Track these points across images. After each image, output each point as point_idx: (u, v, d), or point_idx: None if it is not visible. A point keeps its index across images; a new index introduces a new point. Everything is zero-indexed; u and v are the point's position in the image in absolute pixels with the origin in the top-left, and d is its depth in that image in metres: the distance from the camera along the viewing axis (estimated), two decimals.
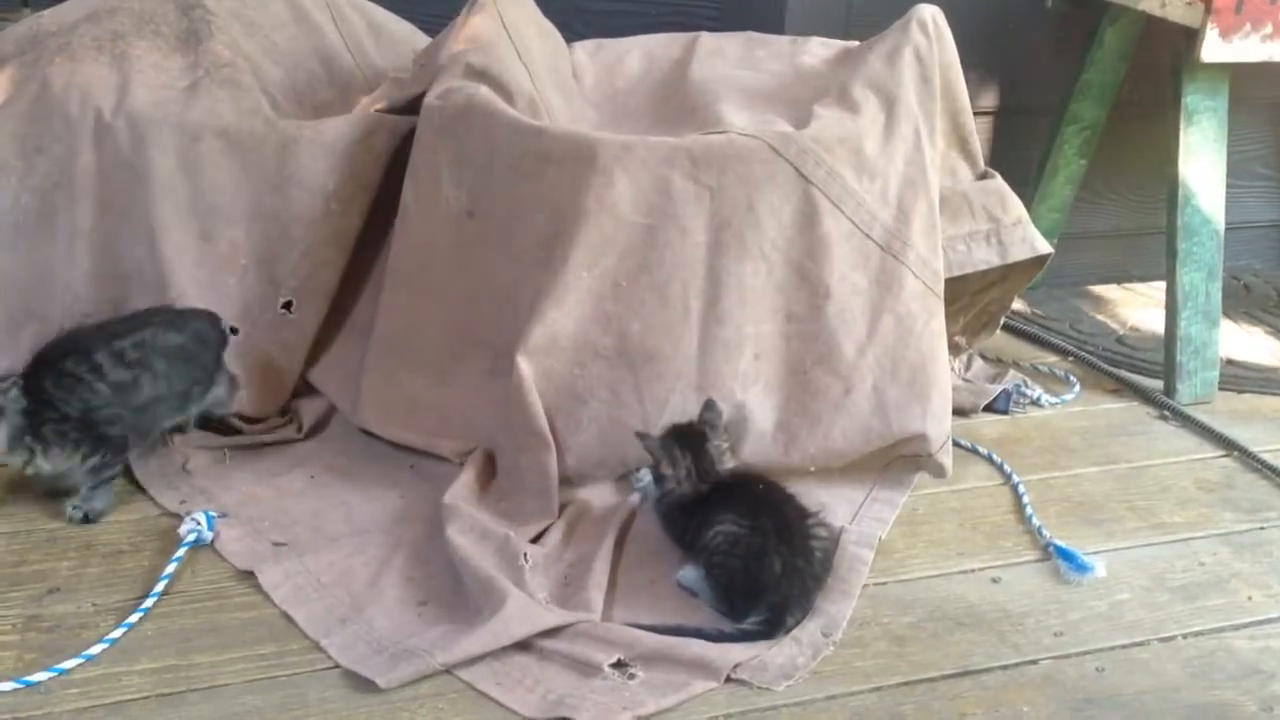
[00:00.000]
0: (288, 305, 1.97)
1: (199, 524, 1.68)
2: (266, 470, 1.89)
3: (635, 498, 1.81)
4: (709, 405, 1.75)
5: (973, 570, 1.74)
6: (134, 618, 1.53)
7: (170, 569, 1.62)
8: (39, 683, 1.42)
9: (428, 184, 1.93)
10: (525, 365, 1.77)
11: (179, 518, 1.72)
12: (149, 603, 1.56)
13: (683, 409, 1.80)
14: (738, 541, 1.59)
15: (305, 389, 2.07)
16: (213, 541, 1.69)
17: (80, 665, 1.45)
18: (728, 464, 1.73)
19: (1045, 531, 1.82)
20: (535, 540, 1.72)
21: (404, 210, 1.97)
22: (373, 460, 1.93)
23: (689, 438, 1.72)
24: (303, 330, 2.01)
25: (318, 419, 2.02)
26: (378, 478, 1.89)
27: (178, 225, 1.92)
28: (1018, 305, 2.54)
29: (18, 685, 1.41)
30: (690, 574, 1.64)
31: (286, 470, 1.89)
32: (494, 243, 1.88)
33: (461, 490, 1.77)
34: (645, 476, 1.78)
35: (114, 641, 1.49)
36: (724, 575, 1.59)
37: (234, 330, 1.93)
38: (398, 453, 1.94)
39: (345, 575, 1.63)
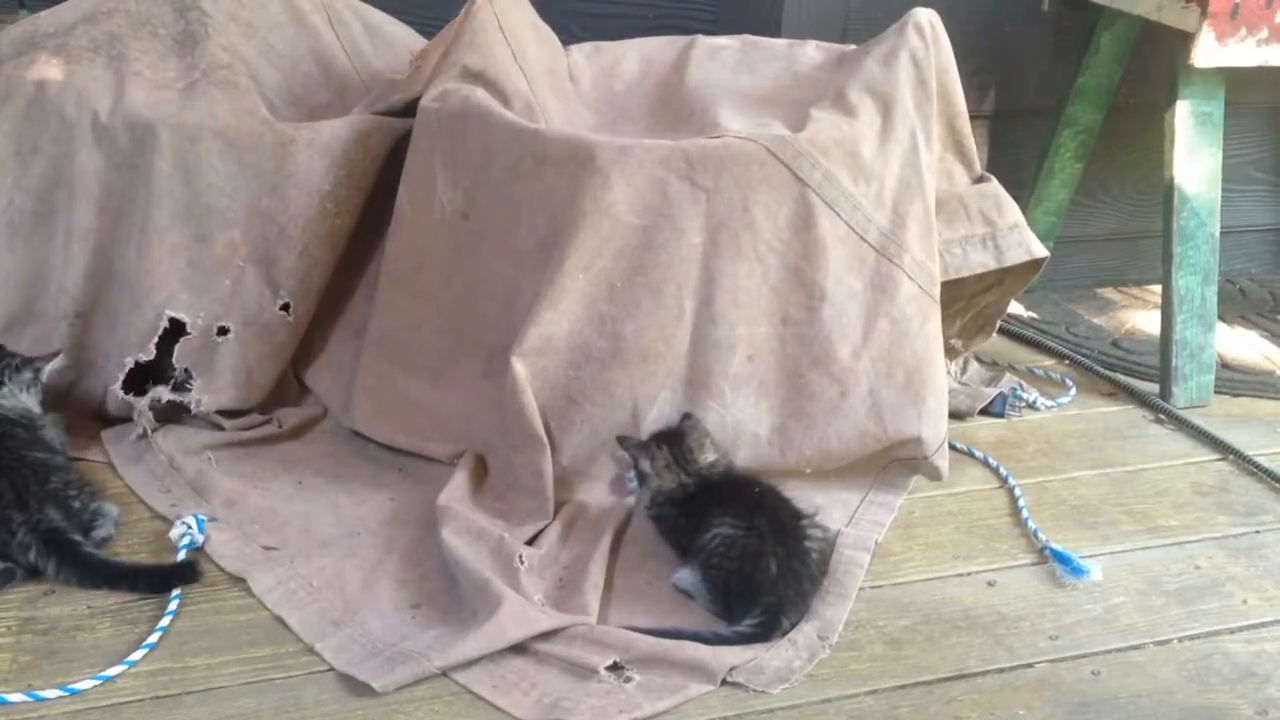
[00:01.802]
0: (285, 307, 1.97)
1: (190, 527, 1.68)
2: (254, 473, 1.89)
3: (632, 499, 1.81)
4: (686, 416, 1.79)
5: (969, 573, 1.75)
6: (165, 621, 1.53)
7: None
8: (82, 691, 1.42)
9: (422, 186, 1.93)
10: (520, 366, 1.77)
11: (170, 521, 1.72)
12: (174, 605, 1.56)
13: (672, 405, 1.82)
14: (734, 543, 1.60)
15: (290, 396, 2.07)
16: (203, 545, 1.68)
17: (83, 670, 1.45)
18: (709, 454, 1.75)
19: (1041, 535, 1.82)
20: (531, 542, 1.72)
21: (398, 212, 1.97)
22: (361, 463, 1.93)
23: (666, 435, 1.77)
24: (295, 329, 2.01)
25: (302, 421, 2.02)
26: (367, 480, 1.89)
27: (174, 227, 1.92)
28: (1014, 308, 2.54)
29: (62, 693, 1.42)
30: (686, 576, 1.64)
31: (275, 474, 1.89)
32: (489, 244, 1.88)
33: (455, 491, 1.77)
34: (634, 479, 1.79)
35: (152, 646, 1.49)
36: (720, 577, 1.60)
37: (223, 330, 1.93)
38: (386, 455, 1.94)
39: (337, 579, 1.63)
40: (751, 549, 1.58)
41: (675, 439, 1.75)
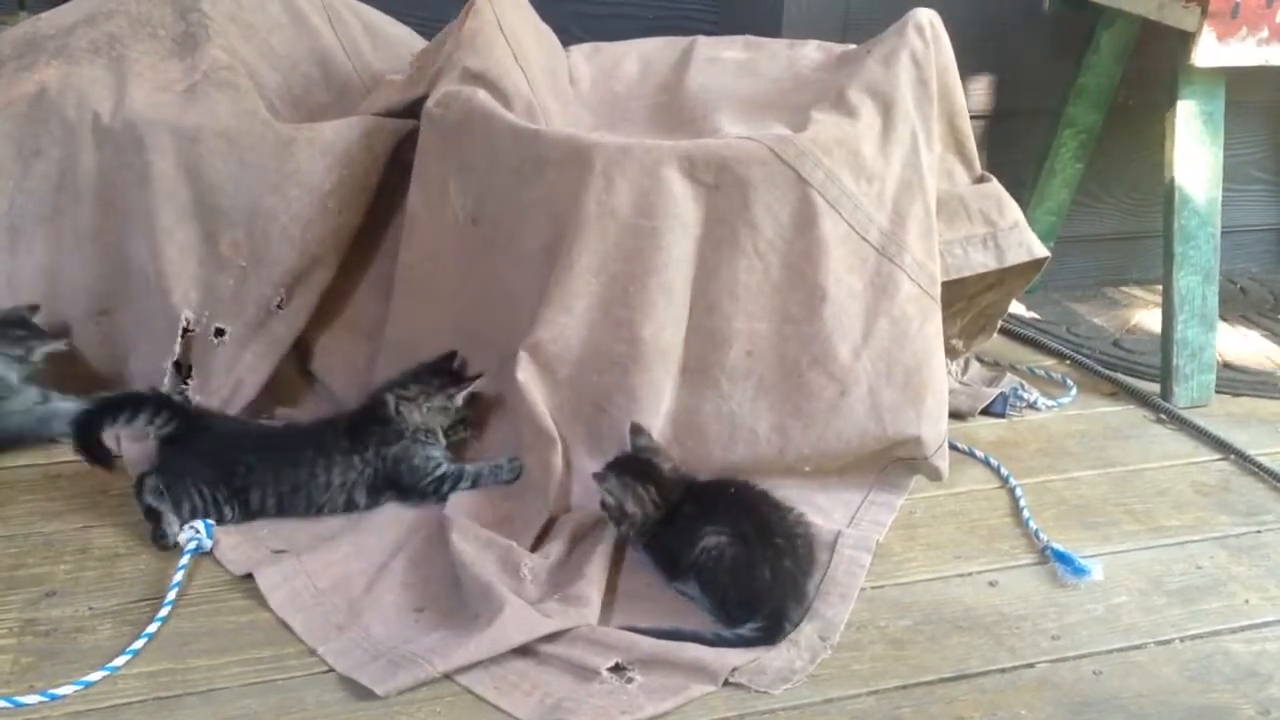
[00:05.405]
0: (282, 305, 1.97)
1: (198, 532, 1.68)
2: None
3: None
4: (636, 430, 1.74)
5: (970, 573, 1.75)
6: (153, 627, 1.52)
7: (179, 576, 1.61)
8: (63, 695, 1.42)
9: (436, 192, 1.94)
10: (527, 366, 1.77)
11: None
12: (164, 611, 1.55)
13: (672, 394, 1.81)
14: (723, 554, 1.58)
15: (290, 398, 2.06)
16: (212, 549, 1.68)
17: (84, 671, 1.45)
18: (665, 462, 1.71)
19: (1042, 535, 1.82)
20: (535, 544, 1.71)
21: (412, 218, 1.97)
22: None
23: (641, 469, 1.69)
24: (292, 325, 2.01)
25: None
26: None
27: (179, 227, 1.93)
28: (1015, 308, 2.54)
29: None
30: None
31: None
32: (498, 248, 1.88)
33: (463, 498, 1.77)
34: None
35: (136, 653, 1.48)
36: (716, 590, 1.59)
37: (220, 332, 1.94)
38: None
39: (343, 581, 1.63)
40: (743, 559, 1.57)
41: (652, 474, 1.68)
